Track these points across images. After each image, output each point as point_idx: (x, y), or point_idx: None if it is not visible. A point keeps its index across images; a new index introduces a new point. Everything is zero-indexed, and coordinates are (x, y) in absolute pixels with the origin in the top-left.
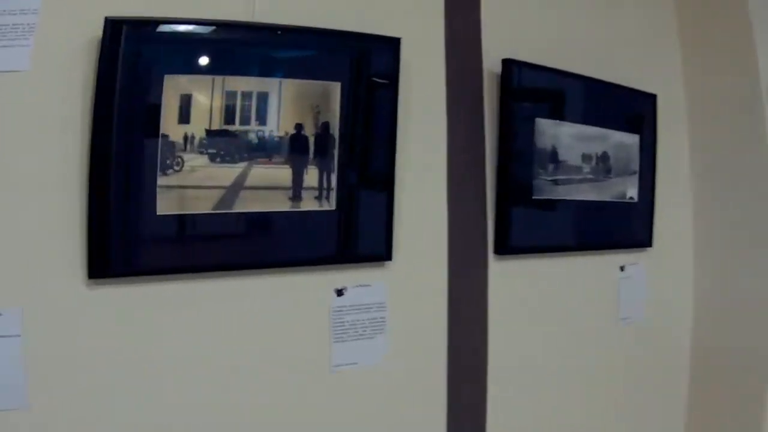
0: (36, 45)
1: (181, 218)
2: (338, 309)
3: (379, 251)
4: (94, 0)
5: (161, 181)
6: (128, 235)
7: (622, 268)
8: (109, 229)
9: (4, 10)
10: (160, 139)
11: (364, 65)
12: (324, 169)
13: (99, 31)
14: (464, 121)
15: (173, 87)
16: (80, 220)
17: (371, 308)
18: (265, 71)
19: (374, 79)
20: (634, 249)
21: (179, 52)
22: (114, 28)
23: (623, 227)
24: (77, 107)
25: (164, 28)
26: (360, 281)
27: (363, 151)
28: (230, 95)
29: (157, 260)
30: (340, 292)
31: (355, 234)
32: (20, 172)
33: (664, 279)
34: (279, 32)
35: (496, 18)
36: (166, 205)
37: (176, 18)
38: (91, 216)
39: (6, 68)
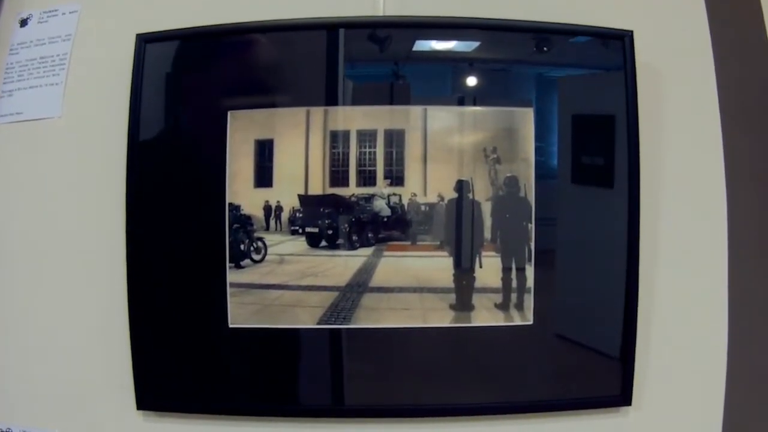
0: (68, 83)
1: (264, 335)
2: None
3: (610, 391)
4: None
5: (233, 276)
6: (188, 356)
7: None
8: (159, 347)
9: (30, 42)
10: (226, 211)
11: (573, 79)
12: (511, 258)
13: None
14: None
15: (243, 129)
16: (126, 331)
17: None
18: (400, 95)
19: (590, 99)
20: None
21: (251, 74)
22: (148, 47)
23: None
24: (118, 165)
25: (226, 42)
26: None
27: (580, 221)
28: (338, 138)
29: (229, 394)
30: None
31: (569, 362)
32: (55, 271)
33: None
34: (424, 27)
35: None
36: (241, 314)
37: (243, 24)
38: (134, 327)
39: (35, 114)
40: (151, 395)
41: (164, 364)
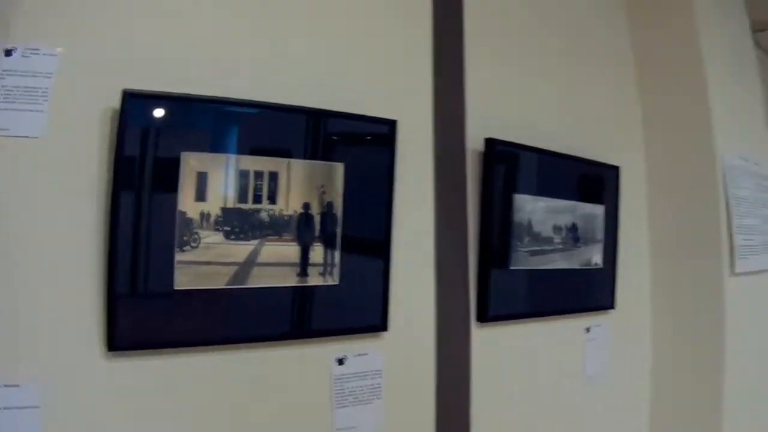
0: (50, 112)
1: (197, 293)
2: (339, 377)
3: (377, 322)
4: (111, 70)
5: (179, 256)
6: (147, 308)
7: (587, 330)
8: (128, 302)
9: (15, 71)
10: (177, 216)
11: (365, 146)
12: (328, 246)
13: (116, 102)
14: (450, 197)
15: (191, 164)
16: (99, 293)
17: (368, 375)
18: (275, 151)
19: (373, 159)
20: (599, 312)
21: (197, 130)
22: (133, 101)
23: (589, 292)
24: (94, 178)
25: (183, 105)
26: (359, 351)
27: (363, 229)
28: (243, 174)
29: (174, 333)
30: (341, 362)
31: (356, 306)
32: (38, 245)
33: (625, 339)
34: (289, 113)
35: (479, 101)
36: (183, 280)
37: (196, 96)
38: (109, 290)
39: (19, 132)
40: (118, 339)
41: (130, 313)
